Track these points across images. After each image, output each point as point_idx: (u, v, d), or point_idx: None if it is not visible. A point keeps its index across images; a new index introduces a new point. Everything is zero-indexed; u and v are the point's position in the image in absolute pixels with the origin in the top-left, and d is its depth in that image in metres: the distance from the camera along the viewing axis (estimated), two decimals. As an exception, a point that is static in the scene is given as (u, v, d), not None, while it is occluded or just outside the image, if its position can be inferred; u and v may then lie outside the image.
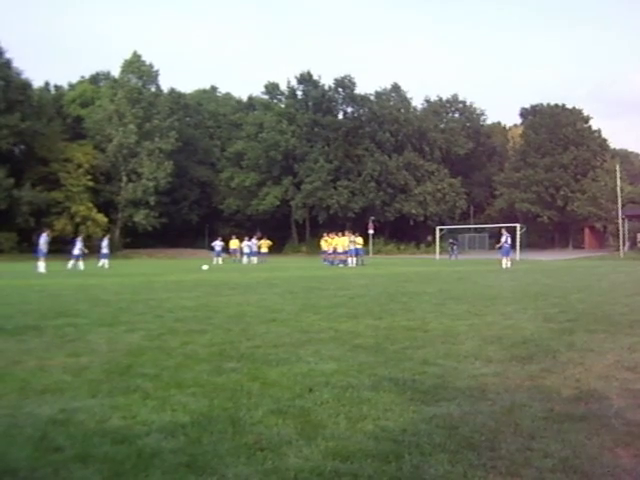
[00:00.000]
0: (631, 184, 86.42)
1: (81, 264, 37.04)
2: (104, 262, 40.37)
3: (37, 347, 8.48)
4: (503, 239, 37.75)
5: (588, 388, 6.03)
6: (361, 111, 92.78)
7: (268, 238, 55.78)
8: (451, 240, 66.50)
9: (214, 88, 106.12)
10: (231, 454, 4.19)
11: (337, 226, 76.10)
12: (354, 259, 41.86)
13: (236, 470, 3.91)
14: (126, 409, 5.27)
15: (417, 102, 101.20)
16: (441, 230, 69.84)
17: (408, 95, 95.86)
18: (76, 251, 37.94)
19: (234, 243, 55.30)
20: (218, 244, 53.79)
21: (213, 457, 4.14)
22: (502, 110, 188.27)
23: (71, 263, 37.32)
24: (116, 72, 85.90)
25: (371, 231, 69.91)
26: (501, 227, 43.14)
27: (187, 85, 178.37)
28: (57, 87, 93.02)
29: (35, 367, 7.13)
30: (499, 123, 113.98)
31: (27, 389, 6.03)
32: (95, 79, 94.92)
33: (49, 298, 16.61)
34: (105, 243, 42.89)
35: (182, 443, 4.43)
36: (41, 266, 33.22)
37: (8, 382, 6.32)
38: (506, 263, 35.70)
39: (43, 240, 35.13)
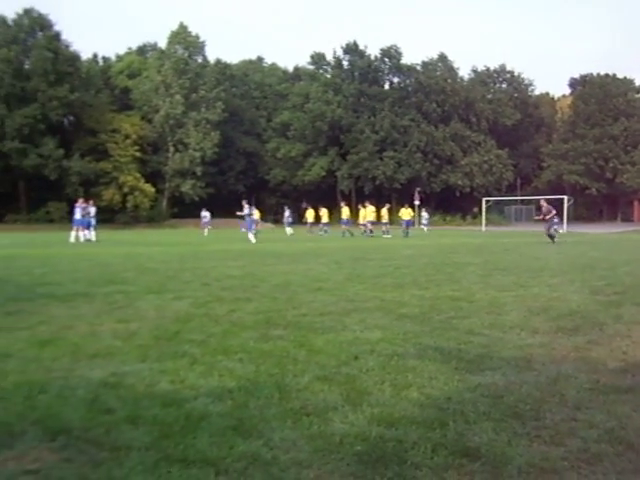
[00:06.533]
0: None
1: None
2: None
3: (87, 313, 8.65)
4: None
5: (635, 360, 5.98)
6: (407, 81, 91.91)
7: (314, 208, 53.38)
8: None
9: (260, 59, 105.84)
10: (277, 419, 4.25)
11: (383, 197, 75.95)
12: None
13: (282, 434, 3.97)
14: (174, 374, 5.36)
15: (464, 72, 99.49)
16: (487, 202, 69.15)
17: (455, 65, 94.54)
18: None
19: (310, 214, 51.10)
20: (288, 215, 52.01)
21: (260, 421, 4.20)
22: (551, 80, 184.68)
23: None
24: (163, 43, 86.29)
25: (417, 202, 69.41)
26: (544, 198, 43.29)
27: (233, 56, 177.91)
28: (105, 59, 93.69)
29: (86, 332, 7.29)
30: (547, 94, 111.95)
31: (79, 353, 6.17)
32: (142, 50, 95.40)
33: (98, 266, 16.90)
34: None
35: (229, 407, 4.49)
36: (73, 235, 33.48)
37: (61, 346, 6.47)
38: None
39: (79, 210, 34.99)
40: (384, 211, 45.49)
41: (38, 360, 5.91)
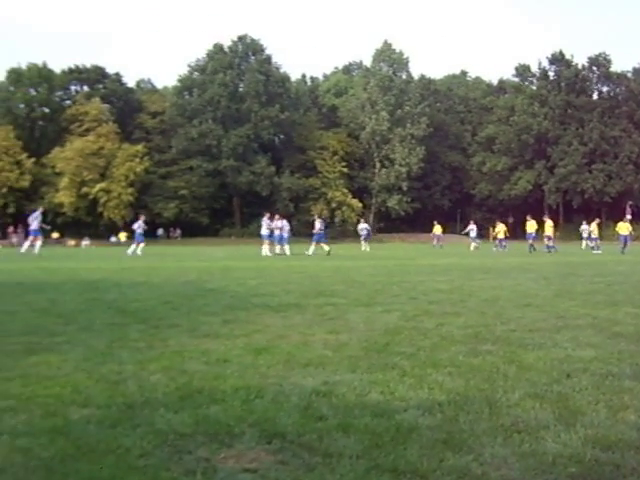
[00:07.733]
0: None
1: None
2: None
3: (300, 323, 8.93)
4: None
5: None
6: (618, 90, 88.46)
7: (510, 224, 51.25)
8: None
9: (464, 73, 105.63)
10: (487, 434, 4.19)
11: (592, 211, 73.04)
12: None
13: (493, 450, 3.91)
14: (384, 385, 5.41)
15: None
16: None
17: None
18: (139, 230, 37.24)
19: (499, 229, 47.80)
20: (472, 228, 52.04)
21: (470, 436, 4.16)
22: None
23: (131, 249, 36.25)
24: (368, 61, 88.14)
25: (629, 216, 66.27)
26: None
27: (437, 71, 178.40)
28: (313, 78, 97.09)
29: (298, 342, 7.52)
30: None
31: (292, 361, 6.38)
32: (348, 69, 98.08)
33: (308, 279, 17.42)
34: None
35: (439, 420, 4.49)
36: (265, 249, 35.18)
37: (275, 354, 6.72)
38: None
39: (265, 225, 36.48)
40: (593, 226, 44.44)
41: (254, 366, 6.18)
